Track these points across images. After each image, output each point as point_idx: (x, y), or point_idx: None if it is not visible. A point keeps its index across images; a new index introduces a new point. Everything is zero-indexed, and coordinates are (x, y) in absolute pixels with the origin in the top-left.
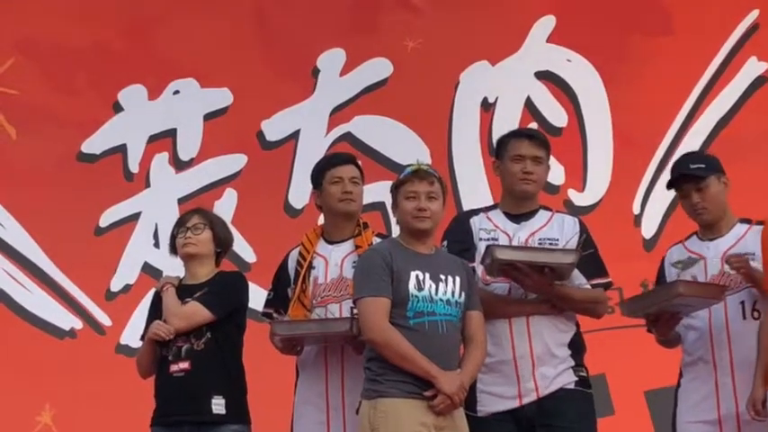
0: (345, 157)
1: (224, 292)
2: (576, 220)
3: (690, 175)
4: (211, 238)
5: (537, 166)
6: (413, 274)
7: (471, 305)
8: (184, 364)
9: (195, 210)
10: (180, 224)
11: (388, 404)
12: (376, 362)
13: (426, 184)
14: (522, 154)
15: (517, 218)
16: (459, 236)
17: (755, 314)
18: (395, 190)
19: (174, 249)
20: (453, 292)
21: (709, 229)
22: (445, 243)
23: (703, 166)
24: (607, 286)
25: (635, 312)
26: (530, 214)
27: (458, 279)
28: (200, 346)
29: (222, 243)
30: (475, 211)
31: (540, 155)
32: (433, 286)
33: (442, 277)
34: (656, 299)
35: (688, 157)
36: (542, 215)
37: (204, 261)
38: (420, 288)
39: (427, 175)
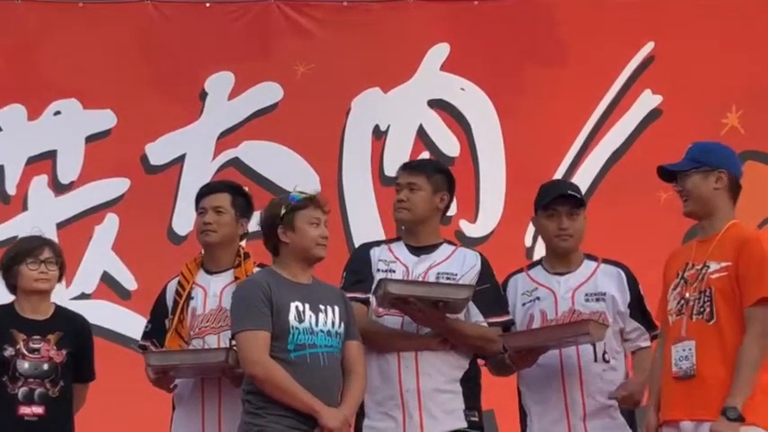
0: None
1: (90, 353)
2: (478, 254)
3: (566, 199)
4: (58, 277)
5: (411, 194)
6: (293, 305)
7: (350, 335)
8: (38, 409)
9: (44, 241)
10: (29, 254)
11: None
12: (256, 395)
13: (324, 212)
14: (398, 182)
15: (419, 250)
16: (357, 265)
17: (606, 356)
18: (290, 213)
19: (10, 275)
20: (333, 323)
21: (560, 261)
22: (344, 273)
23: (579, 195)
24: (506, 325)
25: (518, 344)
26: (432, 247)
27: (336, 309)
28: (56, 393)
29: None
30: (378, 243)
31: (413, 181)
32: (313, 317)
33: (322, 308)
34: (555, 334)
35: (563, 182)
36: (445, 249)
37: (48, 297)
38: (300, 320)
39: (323, 202)
